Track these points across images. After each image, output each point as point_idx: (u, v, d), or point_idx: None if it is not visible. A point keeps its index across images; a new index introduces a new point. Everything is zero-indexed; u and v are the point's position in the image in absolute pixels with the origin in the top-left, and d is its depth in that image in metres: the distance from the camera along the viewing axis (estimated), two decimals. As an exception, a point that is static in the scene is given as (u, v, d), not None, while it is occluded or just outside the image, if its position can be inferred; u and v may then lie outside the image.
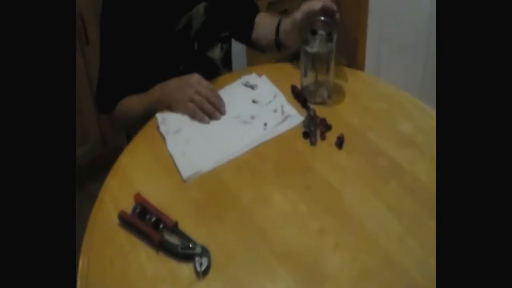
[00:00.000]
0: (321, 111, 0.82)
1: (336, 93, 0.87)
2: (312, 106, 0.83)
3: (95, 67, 0.98)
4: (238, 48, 1.12)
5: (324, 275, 0.61)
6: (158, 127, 0.82)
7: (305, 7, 0.83)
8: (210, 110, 0.82)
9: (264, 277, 0.62)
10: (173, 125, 0.81)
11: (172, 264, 0.64)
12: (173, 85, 0.84)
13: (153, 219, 0.68)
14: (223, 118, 0.83)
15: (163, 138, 0.80)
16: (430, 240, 0.60)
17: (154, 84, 0.87)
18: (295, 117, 0.82)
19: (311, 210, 0.69)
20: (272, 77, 0.90)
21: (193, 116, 0.82)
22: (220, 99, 0.83)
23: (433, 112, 0.82)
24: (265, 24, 0.97)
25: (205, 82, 0.84)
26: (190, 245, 0.65)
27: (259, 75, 0.91)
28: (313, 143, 0.78)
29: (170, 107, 0.84)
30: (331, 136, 0.79)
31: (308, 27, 0.81)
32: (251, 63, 1.64)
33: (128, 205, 0.70)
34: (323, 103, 0.85)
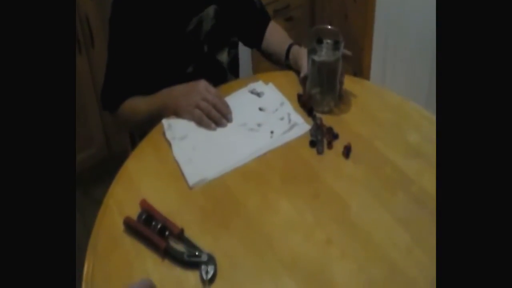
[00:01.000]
0: (327, 120, 0.82)
1: (343, 102, 0.87)
2: (318, 114, 0.83)
3: (100, 70, 0.98)
4: (243, 55, 1.13)
5: (331, 285, 0.61)
6: (164, 133, 0.82)
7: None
8: (216, 117, 0.82)
9: (270, 285, 0.61)
10: (179, 131, 0.81)
11: (178, 272, 0.63)
12: (180, 90, 0.84)
13: (158, 226, 0.67)
14: (229, 125, 0.83)
15: (169, 144, 0.80)
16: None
17: (162, 85, 0.87)
18: (302, 125, 0.82)
19: (318, 219, 0.68)
20: (279, 85, 0.90)
21: (199, 123, 0.82)
22: (227, 106, 0.83)
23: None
24: (276, 43, 0.98)
25: (212, 89, 0.84)
26: (196, 253, 0.64)
27: (266, 82, 0.91)
28: (320, 152, 0.78)
29: (176, 113, 0.84)
30: (338, 145, 0.79)
31: (314, 36, 0.81)
32: (257, 70, 1.64)
33: (133, 211, 0.70)
34: (329, 112, 0.85)
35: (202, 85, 0.83)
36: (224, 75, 1.00)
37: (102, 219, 0.71)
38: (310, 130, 0.81)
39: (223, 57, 0.98)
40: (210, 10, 0.92)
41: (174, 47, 0.91)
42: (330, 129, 0.80)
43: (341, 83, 0.85)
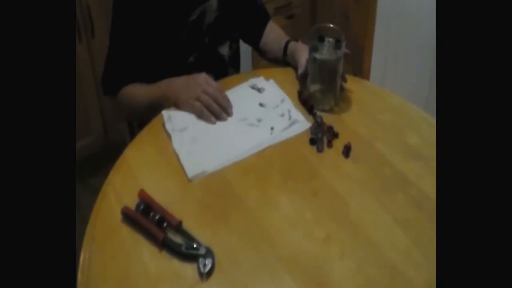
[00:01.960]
0: (327, 119, 0.82)
1: (343, 101, 0.87)
2: (319, 113, 0.84)
3: (100, 60, 0.97)
4: (244, 49, 1.13)
5: (329, 283, 0.61)
6: (163, 124, 0.81)
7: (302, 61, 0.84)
8: (217, 110, 0.81)
9: (268, 282, 0.61)
10: (179, 123, 0.81)
11: (175, 264, 0.63)
12: (181, 82, 0.84)
13: (157, 217, 0.67)
14: (229, 119, 0.83)
15: (169, 135, 0.80)
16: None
17: (162, 73, 0.87)
18: (302, 122, 0.82)
19: (317, 217, 0.69)
20: (279, 81, 0.90)
21: (199, 115, 0.82)
22: (227, 100, 0.83)
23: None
24: (274, 41, 0.99)
25: (213, 82, 0.83)
26: (194, 245, 0.64)
27: (267, 78, 0.91)
28: (320, 150, 0.78)
29: (176, 104, 0.84)
30: (338, 144, 0.79)
31: (316, 34, 0.81)
32: (256, 64, 1.64)
33: (131, 201, 0.69)
34: (329, 110, 0.85)
35: (203, 77, 0.83)
36: (225, 68, 0.99)
37: (99, 208, 0.70)
38: (310, 128, 0.81)
39: (224, 50, 0.98)
40: (214, 2, 0.91)
41: (176, 36, 0.90)
42: (330, 128, 0.80)
43: (344, 80, 0.86)
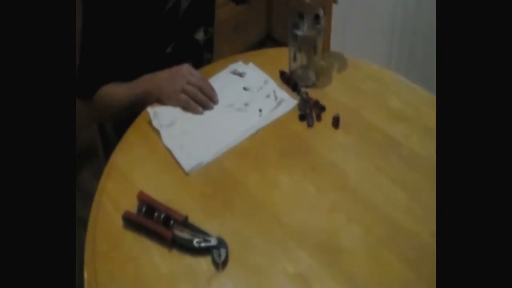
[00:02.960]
0: (312, 94, 0.83)
1: (324, 75, 0.88)
2: (303, 89, 0.84)
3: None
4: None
5: (342, 250, 0.63)
6: (150, 122, 0.79)
7: None
8: (203, 100, 0.80)
9: (284, 260, 0.62)
10: (166, 118, 0.79)
11: (188, 260, 0.62)
12: (163, 76, 0.81)
13: (162, 216, 0.65)
14: (216, 107, 0.81)
15: (157, 132, 0.78)
16: (435, 206, 0.63)
17: (141, 67, 0.83)
18: (289, 101, 0.82)
19: (319, 189, 0.70)
20: (258, 63, 0.90)
21: (186, 108, 0.80)
22: (212, 89, 0.82)
23: (417, 87, 0.86)
24: None
25: (196, 72, 0.82)
26: (205, 238, 0.63)
27: (246, 62, 0.90)
28: (310, 125, 0.79)
29: (160, 99, 0.81)
30: (326, 117, 0.80)
31: (295, 10, 0.81)
32: (218, 53, 1.62)
33: (130, 206, 0.67)
34: (313, 85, 0.86)
35: (186, 68, 0.81)
36: (201, 53, 0.97)
37: (96, 218, 0.68)
38: (298, 104, 0.81)
39: (200, 35, 0.95)
40: None
41: (153, 27, 0.87)
42: (317, 102, 0.81)
43: (324, 51, 0.85)
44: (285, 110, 0.81)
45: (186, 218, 0.66)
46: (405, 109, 0.82)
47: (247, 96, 0.83)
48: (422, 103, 0.83)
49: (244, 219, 0.67)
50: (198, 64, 0.93)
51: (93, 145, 1.10)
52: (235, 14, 1.73)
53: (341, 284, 0.59)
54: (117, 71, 0.85)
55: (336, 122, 0.78)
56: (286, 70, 0.87)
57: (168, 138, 0.76)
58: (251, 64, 0.89)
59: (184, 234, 0.65)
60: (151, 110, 0.80)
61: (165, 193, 0.69)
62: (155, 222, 0.65)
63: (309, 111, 0.80)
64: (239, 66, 0.89)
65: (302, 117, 0.80)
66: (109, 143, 1.03)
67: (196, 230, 0.65)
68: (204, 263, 0.62)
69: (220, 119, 0.79)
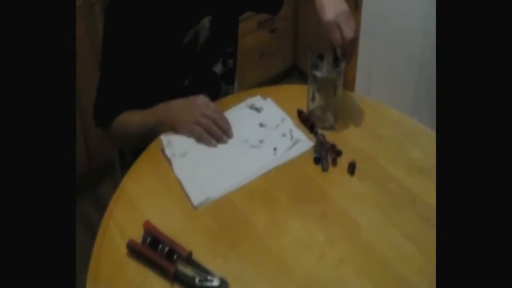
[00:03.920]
0: (329, 136, 0.82)
1: (342, 118, 0.87)
2: (320, 131, 0.83)
3: (84, 82, 0.92)
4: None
5: (348, 306, 0.60)
6: (163, 150, 0.79)
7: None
8: (217, 133, 0.80)
9: (286, 310, 0.60)
10: (179, 148, 0.78)
11: (188, 298, 0.60)
12: (179, 105, 0.82)
13: (166, 249, 0.64)
14: (230, 142, 0.81)
15: (169, 161, 0.77)
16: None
17: (157, 99, 0.84)
18: (305, 142, 0.81)
19: (329, 238, 0.68)
20: (277, 99, 0.90)
21: (199, 139, 0.80)
22: (227, 122, 0.82)
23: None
24: None
25: (212, 104, 0.82)
26: (208, 277, 0.62)
27: (264, 97, 0.90)
28: (325, 169, 0.77)
29: (174, 129, 0.81)
30: (342, 161, 0.79)
31: (316, 51, 0.81)
32: (240, 82, 1.64)
33: (136, 234, 0.66)
34: (330, 128, 0.85)
35: (201, 100, 0.81)
36: (218, 84, 0.98)
37: (102, 243, 0.67)
38: (314, 146, 0.80)
39: (218, 67, 0.96)
40: (206, 21, 0.90)
41: (171, 60, 0.88)
42: (333, 146, 0.80)
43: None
44: (300, 151, 0.80)
45: (190, 254, 0.64)
46: (424, 161, 0.80)
47: (262, 132, 0.82)
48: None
49: (249, 261, 0.65)
50: (215, 96, 0.94)
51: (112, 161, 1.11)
52: (261, 42, 1.75)
53: None
54: (134, 101, 0.86)
55: (352, 169, 0.77)
56: (304, 109, 0.87)
57: (180, 169, 0.76)
58: (269, 100, 0.89)
59: (187, 270, 0.63)
60: (164, 138, 0.80)
61: (172, 225, 0.68)
62: (159, 254, 0.64)
63: (325, 154, 0.79)
64: (257, 100, 0.89)
65: (317, 160, 0.78)
66: (126, 162, 1.03)
67: (199, 268, 0.63)
68: (203, 304, 0.60)
69: (234, 154, 0.79)
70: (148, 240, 0.65)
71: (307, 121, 0.84)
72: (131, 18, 0.83)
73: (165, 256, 0.64)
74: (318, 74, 0.81)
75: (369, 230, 0.69)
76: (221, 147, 0.80)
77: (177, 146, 0.79)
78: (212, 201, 0.72)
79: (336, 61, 0.81)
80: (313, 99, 0.84)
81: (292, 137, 0.81)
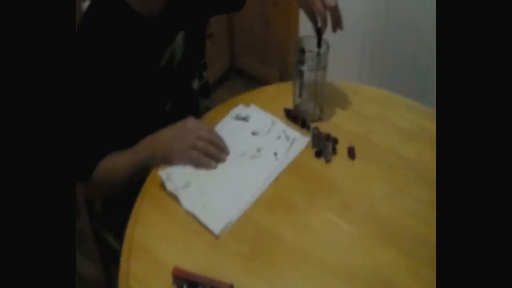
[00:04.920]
0: (321, 127, 0.82)
1: (327, 107, 0.87)
2: (312, 124, 0.83)
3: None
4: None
5: (392, 282, 0.61)
6: (162, 185, 0.73)
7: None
8: (216, 154, 0.76)
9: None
10: (180, 180, 0.74)
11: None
12: (168, 134, 0.76)
13: (206, 289, 0.60)
14: (229, 158, 0.78)
15: (171, 196, 0.72)
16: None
17: (139, 131, 0.78)
18: (301, 139, 0.80)
19: (354, 225, 0.68)
20: (259, 104, 0.87)
21: (198, 164, 0.75)
22: (222, 140, 0.78)
23: (415, 104, 0.88)
24: None
25: (203, 125, 0.78)
26: (259, 303, 0.59)
27: (246, 105, 0.87)
28: (328, 160, 0.77)
29: (168, 160, 0.76)
30: (340, 148, 0.79)
31: (298, 47, 0.80)
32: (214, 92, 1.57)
33: (165, 285, 0.61)
34: (319, 119, 0.85)
35: (192, 122, 0.76)
36: (196, 101, 0.93)
37: (130, 305, 0.61)
38: (311, 141, 0.80)
39: (195, 83, 0.92)
40: (179, 38, 0.85)
41: (150, 87, 0.82)
42: (328, 136, 0.80)
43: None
44: (299, 149, 0.79)
45: (232, 286, 0.61)
46: (410, 127, 0.83)
47: (257, 141, 0.80)
48: (423, 118, 0.84)
49: (289, 272, 0.63)
50: (195, 113, 0.90)
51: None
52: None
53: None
54: (115, 142, 0.78)
55: (352, 153, 0.78)
56: (289, 107, 0.86)
57: (188, 201, 0.71)
58: (252, 106, 0.87)
59: (233, 304, 0.60)
60: (163, 173, 0.74)
61: (200, 263, 0.64)
62: (201, 297, 0.60)
63: (324, 146, 0.79)
64: (241, 109, 0.86)
65: (318, 154, 0.78)
66: (96, 219, 0.94)
67: (245, 297, 0.60)
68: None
69: (237, 170, 0.76)
70: (185, 286, 0.61)
71: (297, 118, 0.83)
72: (104, 51, 0.75)
73: (208, 297, 0.60)
74: (304, 68, 0.79)
75: (385, 205, 0.71)
76: (221, 166, 0.76)
77: (177, 178, 0.74)
78: (232, 224, 0.69)
79: (318, 55, 0.79)
80: (300, 95, 0.83)
81: (288, 138, 0.80)
